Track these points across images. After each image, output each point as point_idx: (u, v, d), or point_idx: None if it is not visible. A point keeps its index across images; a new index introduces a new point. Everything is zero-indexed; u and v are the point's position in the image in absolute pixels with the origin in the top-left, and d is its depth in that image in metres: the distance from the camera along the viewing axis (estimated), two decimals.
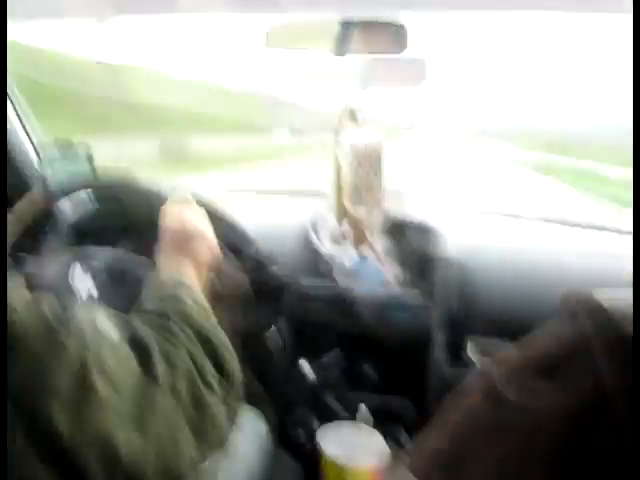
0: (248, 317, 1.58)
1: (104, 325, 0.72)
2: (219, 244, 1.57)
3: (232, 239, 1.64)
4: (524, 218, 2.05)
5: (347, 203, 1.38)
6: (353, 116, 1.36)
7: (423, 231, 1.64)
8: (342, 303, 1.50)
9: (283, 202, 2.09)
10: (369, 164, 1.34)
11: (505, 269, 1.66)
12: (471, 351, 1.54)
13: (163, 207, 1.09)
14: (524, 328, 1.38)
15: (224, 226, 1.65)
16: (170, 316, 0.82)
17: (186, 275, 0.96)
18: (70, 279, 1.24)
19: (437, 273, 1.57)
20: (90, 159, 1.86)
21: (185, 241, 1.02)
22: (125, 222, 1.72)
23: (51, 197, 1.44)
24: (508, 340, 1.52)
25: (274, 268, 1.54)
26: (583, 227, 1.99)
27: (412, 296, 1.52)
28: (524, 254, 1.72)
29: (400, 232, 1.63)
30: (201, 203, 1.60)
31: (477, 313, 1.59)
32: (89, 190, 1.59)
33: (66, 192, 1.45)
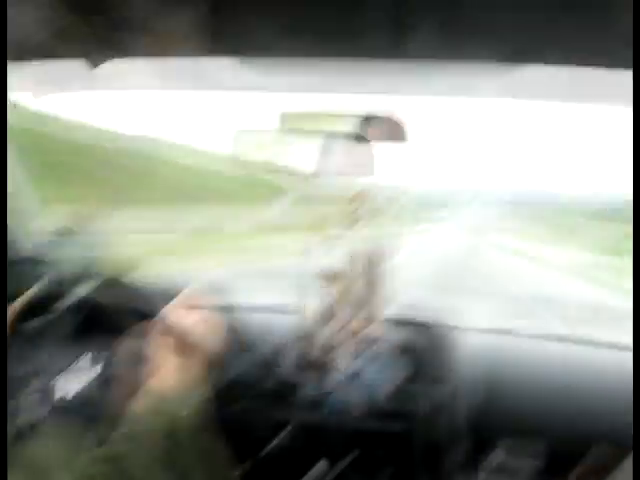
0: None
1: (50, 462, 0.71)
2: (229, 342, 1.49)
3: (242, 338, 1.56)
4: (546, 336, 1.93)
5: (343, 313, 1.28)
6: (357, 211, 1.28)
7: (432, 332, 1.55)
8: (317, 438, 1.37)
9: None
10: (369, 274, 1.25)
11: (527, 381, 1.53)
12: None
13: (165, 308, 1.04)
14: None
15: (235, 324, 1.57)
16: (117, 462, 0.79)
17: (174, 393, 0.93)
18: (55, 387, 1.18)
19: (444, 378, 1.48)
20: (94, 247, 1.80)
21: (183, 351, 0.98)
22: (126, 320, 1.65)
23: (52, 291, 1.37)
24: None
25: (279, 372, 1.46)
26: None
27: (415, 406, 1.38)
28: (545, 364, 1.62)
29: (406, 332, 1.54)
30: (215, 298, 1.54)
31: (496, 424, 1.48)
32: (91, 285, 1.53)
33: (67, 284, 1.37)
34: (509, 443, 1.41)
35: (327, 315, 1.31)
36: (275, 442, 1.39)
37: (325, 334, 1.30)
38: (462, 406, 1.42)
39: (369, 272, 1.26)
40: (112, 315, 1.61)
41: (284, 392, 1.37)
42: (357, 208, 1.26)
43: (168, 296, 1.13)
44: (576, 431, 1.42)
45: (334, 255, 1.29)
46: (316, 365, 1.31)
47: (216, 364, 1.05)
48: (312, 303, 1.31)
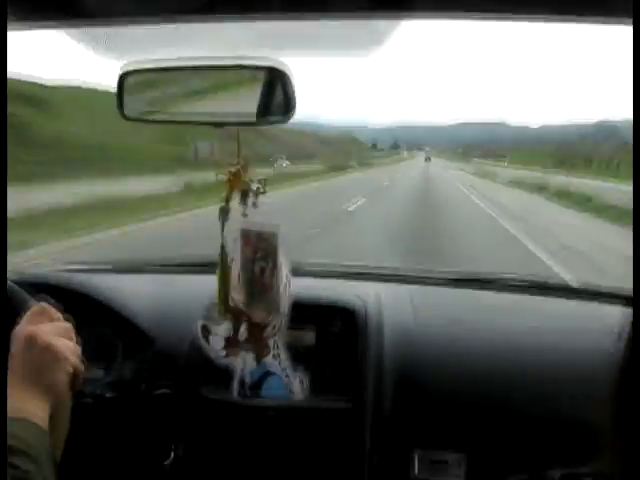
0: (140, 443, 1.32)
1: None
2: (110, 345, 1.31)
3: (125, 338, 1.40)
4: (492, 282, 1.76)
5: (241, 304, 1.09)
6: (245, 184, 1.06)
7: (346, 315, 1.37)
8: (250, 422, 1.25)
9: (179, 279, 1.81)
10: (264, 257, 1.05)
11: (460, 361, 1.38)
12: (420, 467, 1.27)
13: (16, 328, 0.90)
14: (478, 437, 1.09)
15: (115, 324, 1.41)
16: None
17: (33, 414, 0.83)
18: None
19: (365, 368, 1.31)
20: None
21: (37, 374, 0.87)
22: None
23: None
24: (461, 452, 1.27)
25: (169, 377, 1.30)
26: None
27: (329, 404, 1.28)
28: (485, 335, 1.44)
29: (316, 318, 1.36)
30: (82, 294, 1.34)
31: (422, 417, 1.31)
32: None
33: None
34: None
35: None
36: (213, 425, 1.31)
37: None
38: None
39: (264, 257, 1.05)
40: None
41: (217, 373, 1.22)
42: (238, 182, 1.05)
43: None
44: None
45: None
46: (245, 345, 1.13)
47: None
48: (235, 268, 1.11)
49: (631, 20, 0.81)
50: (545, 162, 63.40)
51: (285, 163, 38.48)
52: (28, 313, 0.92)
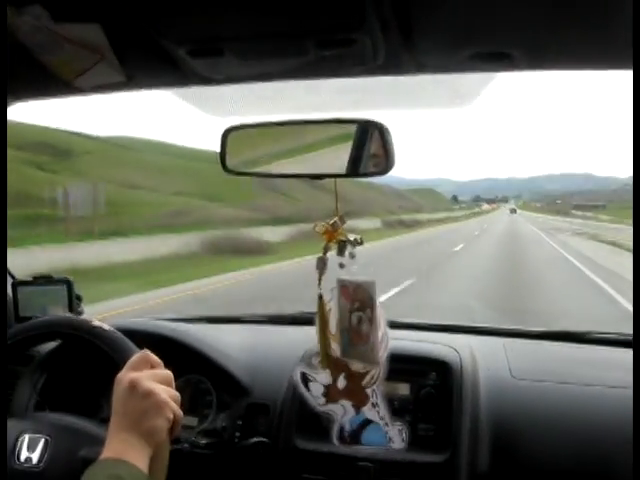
0: None
1: None
2: (207, 396, 1.35)
3: (220, 387, 1.45)
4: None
5: (340, 355, 1.12)
6: (342, 239, 1.10)
7: (441, 367, 1.37)
8: (344, 475, 1.27)
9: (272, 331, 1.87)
10: (361, 307, 1.08)
11: (558, 417, 1.34)
12: None
13: (120, 374, 0.95)
14: None
15: (210, 372, 1.45)
16: None
17: (135, 458, 0.87)
18: (16, 455, 1.03)
19: (460, 421, 1.31)
20: (70, 295, 1.68)
21: (138, 419, 0.90)
22: (90, 377, 1.53)
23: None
24: None
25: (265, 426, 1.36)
26: None
27: (424, 457, 1.28)
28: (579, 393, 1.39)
29: (411, 370, 1.37)
30: (180, 343, 1.40)
31: (518, 472, 1.29)
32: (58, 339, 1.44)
33: (35, 336, 1.29)
34: None
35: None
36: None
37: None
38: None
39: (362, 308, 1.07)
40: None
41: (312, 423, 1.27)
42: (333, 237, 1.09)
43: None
44: None
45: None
46: (344, 393, 1.16)
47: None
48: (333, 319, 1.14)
49: None
50: None
51: None
52: (130, 360, 0.97)
